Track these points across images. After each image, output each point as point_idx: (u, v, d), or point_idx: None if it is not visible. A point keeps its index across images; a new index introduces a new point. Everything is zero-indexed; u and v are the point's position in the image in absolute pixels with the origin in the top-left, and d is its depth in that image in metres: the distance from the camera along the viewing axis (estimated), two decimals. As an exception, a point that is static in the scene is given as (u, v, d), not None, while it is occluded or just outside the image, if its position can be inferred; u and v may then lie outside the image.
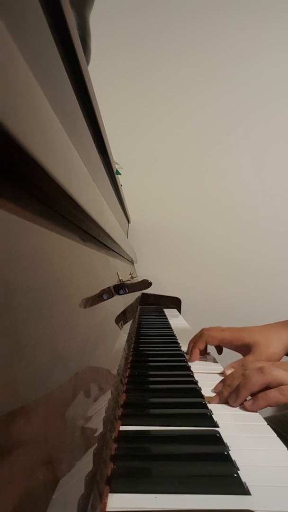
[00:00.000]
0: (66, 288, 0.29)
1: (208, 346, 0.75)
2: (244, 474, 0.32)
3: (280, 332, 0.67)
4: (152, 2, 1.84)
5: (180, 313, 1.57)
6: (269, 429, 0.43)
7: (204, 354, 0.75)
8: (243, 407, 0.48)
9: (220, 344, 0.72)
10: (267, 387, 0.48)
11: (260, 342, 0.66)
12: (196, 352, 0.72)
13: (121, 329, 0.59)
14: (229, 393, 0.50)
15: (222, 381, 0.54)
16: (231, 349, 0.71)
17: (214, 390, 0.54)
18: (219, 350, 0.76)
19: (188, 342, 0.77)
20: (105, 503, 0.28)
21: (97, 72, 1.58)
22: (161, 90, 1.87)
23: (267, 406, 0.46)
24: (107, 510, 0.27)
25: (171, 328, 1.07)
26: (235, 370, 0.55)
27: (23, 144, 0.17)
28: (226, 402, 0.50)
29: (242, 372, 0.51)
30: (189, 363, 0.69)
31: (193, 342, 0.73)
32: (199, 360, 0.72)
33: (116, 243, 0.69)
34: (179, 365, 0.67)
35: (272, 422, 0.78)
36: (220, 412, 0.46)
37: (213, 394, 0.52)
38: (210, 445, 0.37)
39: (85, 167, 0.36)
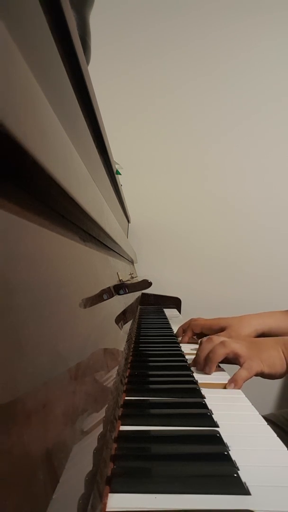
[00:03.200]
0: (66, 288, 0.29)
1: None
2: (244, 474, 0.32)
3: (251, 320, 0.87)
4: (152, 2, 1.84)
5: (180, 313, 1.56)
6: (269, 429, 0.43)
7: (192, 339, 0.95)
8: (229, 387, 0.58)
9: (202, 331, 0.91)
10: (227, 358, 0.63)
11: (233, 325, 0.85)
12: (185, 339, 0.91)
13: (121, 329, 0.59)
14: (203, 359, 0.64)
15: (197, 352, 0.68)
16: (211, 333, 0.88)
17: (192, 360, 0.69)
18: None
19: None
20: (105, 503, 0.28)
21: (97, 72, 1.58)
22: (161, 90, 1.87)
23: (244, 381, 0.58)
24: (107, 510, 0.27)
25: (171, 328, 1.07)
26: (205, 341, 0.69)
27: (23, 144, 0.17)
28: (197, 366, 0.66)
29: (209, 345, 0.65)
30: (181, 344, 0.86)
31: (182, 329, 0.95)
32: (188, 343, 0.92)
33: (116, 243, 0.69)
34: (179, 365, 0.67)
35: (272, 418, 0.82)
36: (220, 412, 0.46)
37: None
38: (210, 445, 0.37)
39: (85, 167, 0.36)
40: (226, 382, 0.59)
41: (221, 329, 0.88)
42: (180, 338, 0.93)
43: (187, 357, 0.72)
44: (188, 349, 0.81)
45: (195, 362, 0.67)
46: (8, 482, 0.13)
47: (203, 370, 0.64)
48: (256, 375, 0.62)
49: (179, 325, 0.98)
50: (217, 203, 1.88)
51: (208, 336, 0.81)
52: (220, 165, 1.88)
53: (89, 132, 0.50)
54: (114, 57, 1.82)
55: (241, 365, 0.61)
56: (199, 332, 0.92)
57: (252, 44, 1.87)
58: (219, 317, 0.93)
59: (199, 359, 0.66)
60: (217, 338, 0.67)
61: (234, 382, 0.59)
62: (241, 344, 0.64)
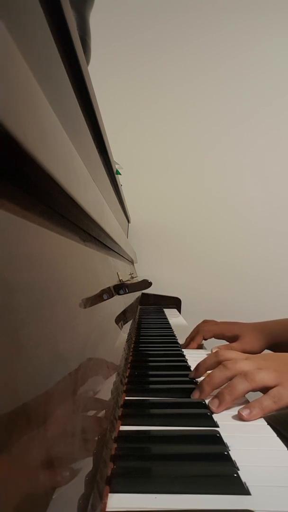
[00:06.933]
0: (66, 288, 0.29)
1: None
2: (244, 474, 0.32)
3: (266, 329, 0.81)
4: (152, 2, 1.84)
5: (180, 313, 1.56)
6: (269, 429, 0.43)
7: (200, 347, 0.86)
8: (240, 416, 0.46)
9: (214, 337, 0.84)
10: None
11: (246, 335, 0.80)
12: (194, 345, 0.83)
13: (121, 329, 0.59)
14: (210, 389, 0.50)
15: (205, 378, 0.52)
16: (223, 339, 0.84)
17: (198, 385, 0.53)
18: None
19: None
20: (105, 503, 0.28)
21: (97, 72, 1.57)
22: (161, 90, 1.87)
23: (263, 415, 0.46)
24: (107, 510, 0.27)
25: (171, 328, 1.07)
26: (218, 368, 0.53)
27: (23, 144, 0.17)
28: (201, 393, 0.50)
29: (224, 373, 0.51)
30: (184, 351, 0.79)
31: (190, 338, 0.85)
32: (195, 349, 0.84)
33: (116, 243, 0.69)
34: (179, 365, 0.66)
35: (272, 421, 0.79)
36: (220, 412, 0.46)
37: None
38: (210, 445, 0.37)
39: (85, 167, 0.36)
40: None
41: (234, 336, 0.81)
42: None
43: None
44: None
45: (200, 389, 0.51)
46: (9, 482, 0.13)
47: (211, 404, 0.48)
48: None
49: (179, 324, 0.97)
50: (217, 203, 1.88)
51: (226, 345, 0.75)
52: (220, 165, 1.88)
53: (89, 132, 0.50)
54: (114, 57, 1.82)
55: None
56: (210, 338, 0.84)
57: (252, 44, 1.87)
58: (231, 321, 0.86)
59: (207, 387, 0.50)
60: (235, 364, 0.51)
61: (249, 408, 0.46)
62: (269, 370, 0.49)
